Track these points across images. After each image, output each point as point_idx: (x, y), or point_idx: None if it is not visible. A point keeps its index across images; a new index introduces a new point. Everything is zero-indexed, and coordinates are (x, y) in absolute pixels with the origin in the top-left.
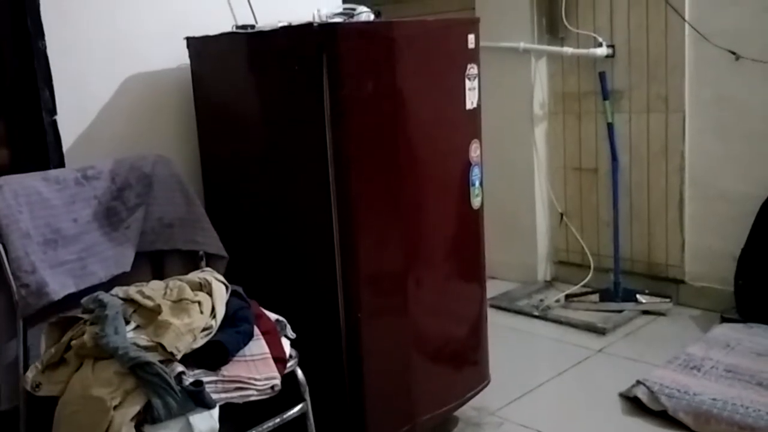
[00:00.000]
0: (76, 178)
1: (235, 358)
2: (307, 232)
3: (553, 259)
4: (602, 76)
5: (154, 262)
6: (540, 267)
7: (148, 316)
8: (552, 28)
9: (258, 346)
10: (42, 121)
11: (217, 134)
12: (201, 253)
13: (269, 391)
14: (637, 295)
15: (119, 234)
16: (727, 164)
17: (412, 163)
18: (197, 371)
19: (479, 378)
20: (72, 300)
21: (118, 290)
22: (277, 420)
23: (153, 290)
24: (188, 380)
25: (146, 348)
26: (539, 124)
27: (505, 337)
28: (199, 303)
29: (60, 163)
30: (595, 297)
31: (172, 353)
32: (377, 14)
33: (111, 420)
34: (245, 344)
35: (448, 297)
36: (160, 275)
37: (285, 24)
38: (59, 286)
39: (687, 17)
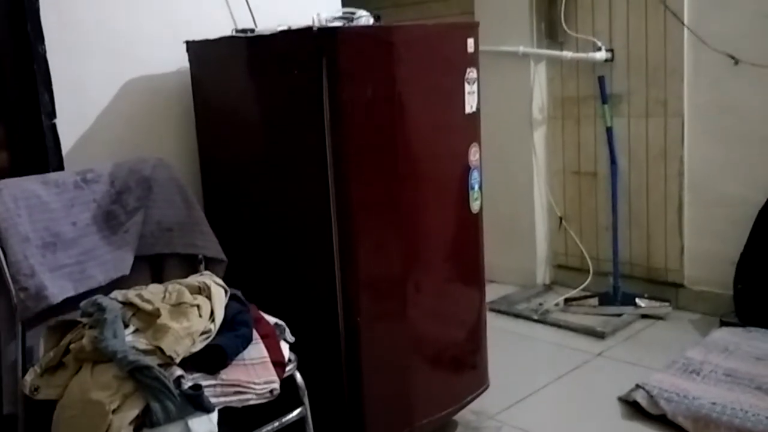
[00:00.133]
0: (75, 182)
1: (234, 362)
2: (306, 235)
3: (552, 263)
4: (601, 80)
5: (153, 266)
6: (539, 271)
7: (147, 319)
8: (551, 32)
9: (257, 349)
10: (41, 124)
11: (217, 138)
12: (200, 256)
13: (268, 395)
14: (637, 299)
15: (118, 237)
16: (726, 169)
17: (412, 167)
18: (196, 375)
19: (478, 382)
20: (71, 303)
21: (117, 294)
22: (276, 424)
23: (152, 294)
24: (187, 384)
25: (145, 352)
26: (538, 128)
27: (504, 341)
28: (198, 307)
29: (59, 167)
30: (595, 301)
31: (170, 357)
32: (377, 18)
33: (110, 424)
34: (244, 348)
35: (447, 301)
36: (159, 279)
37: (284, 28)
38: (58, 290)
39: (686, 21)
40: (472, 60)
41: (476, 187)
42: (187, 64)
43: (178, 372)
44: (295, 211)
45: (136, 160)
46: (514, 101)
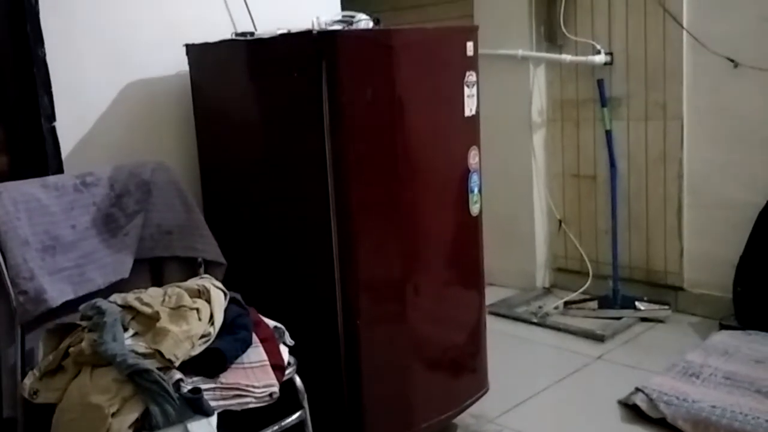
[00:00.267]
0: (74, 185)
1: (234, 366)
2: (305, 238)
3: (551, 266)
4: (600, 83)
5: (152, 269)
6: (538, 274)
7: (147, 323)
8: (550, 35)
9: (256, 353)
10: (41, 127)
11: (217, 141)
12: (199, 259)
13: (267, 398)
14: (636, 302)
15: (118, 241)
16: (725, 171)
17: (411, 170)
18: (195, 378)
19: (478, 385)
20: (70, 307)
21: (117, 297)
22: (276, 427)
23: (151, 297)
24: (186, 387)
25: (144, 355)
26: (538, 131)
27: (504, 344)
28: (198, 310)
29: (59, 170)
30: (594, 304)
31: (170, 360)
32: (376, 22)
33: (109, 427)
34: (243, 351)
35: (446, 304)
36: (158, 282)
37: (284, 31)
38: (57, 293)
39: (685, 25)
40: (472, 63)
41: (476, 190)
42: (186, 68)
43: (178, 375)
44: (295, 214)
45: (136, 163)
46: (514, 104)
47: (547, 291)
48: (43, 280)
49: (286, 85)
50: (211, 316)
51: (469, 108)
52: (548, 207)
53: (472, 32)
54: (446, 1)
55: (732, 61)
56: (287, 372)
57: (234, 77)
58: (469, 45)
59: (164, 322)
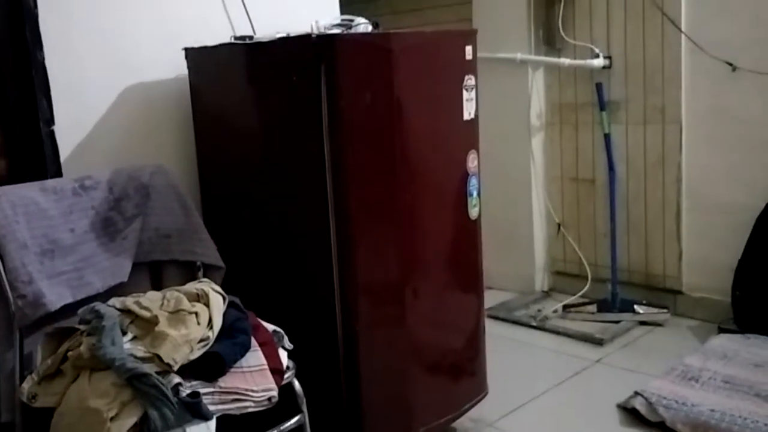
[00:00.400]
0: (73, 189)
1: (232, 370)
2: (304, 242)
3: (550, 270)
4: (599, 87)
5: (151, 273)
6: (537, 277)
7: (145, 327)
8: (549, 39)
9: (255, 357)
10: (40, 131)
11: (215, 145)
12: (198, 263)
13: (266, 402)
14: (635, 306)
15: (116, 244)
16: (724, 175)
17: (410, 173)
18: (194, 382)
19: (477, 389)
20: (69, 310)
21: (115, 301)
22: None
23: (150, 301)
24: (185, 392)
25: (143, 359)
26: (536, 135)
27: (503, 348)
28: (197, 314)
29: (57, 174)
30: (593, 307)
31: (169, 364)
32: (375, 25)
33: (108, 431)
34: (242, 355)
35: (445, 307)
36: (157, 286)
37: (283, 35)
38: (56, 297)
39: (683, 28)
40: (471, 67)
41: (474, 193)
42: (185, 71)
43: (176, 379)
44: (294, 218)
45: (135, 167)
46: (512, 108)
47: (546, 294)
48: (41, 284)
49: (285, 89)
50: (210, 320)
51: (468, 111)
52: (547, 210)
53: (471, 36)
54: (445, 5)
55: (730, 64)
56: (286, 376)
57: (233, 81)
58: (468, 49)
59: (163, 326)
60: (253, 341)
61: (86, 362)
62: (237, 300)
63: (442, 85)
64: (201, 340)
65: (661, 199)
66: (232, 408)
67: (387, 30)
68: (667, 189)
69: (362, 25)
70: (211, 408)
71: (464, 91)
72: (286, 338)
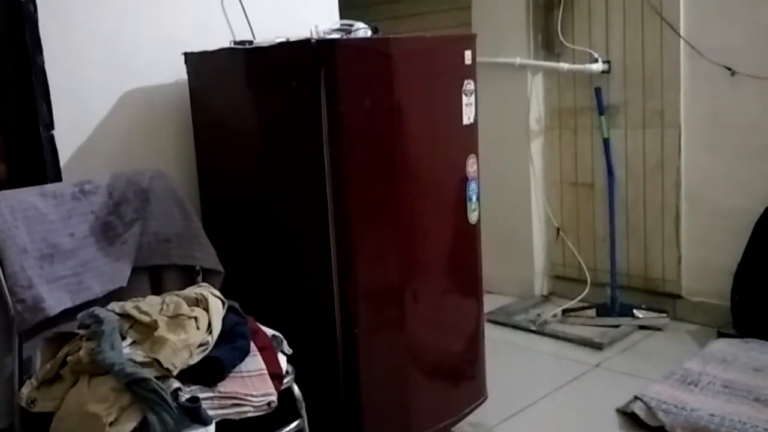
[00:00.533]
0: (73, 193)
1: (232, 374)
2: (304, 247)
3: (549, 274)
4: (598, 91)
5: (151, 277)
6: (537, 281)
7: (145, 331)
8: (548, 44)
9: (254, 362)
10: (39, 135)
11: (215, 149)
12: (197, 268)
13: (266, 407)
14: (634, 310)
15: (116, 249)
16: (723, 179)
17: (409, 178)
18: (193, 387)
19: (476, 393)
20: (68, 315)
21: (115, 305)
22: None
23: (149, 306)
24: (184, 396)
25: (142, 364)
26: (535, 139)
27: (502, 352)
28: (196, 318)
29: (57, 178)
30: (592, 312)
31: (168, 369)
32: (375, 30)
33: None
34: (241, 360)
35: (445, 312)
36: (157, 290)
37: (283, 40)
38: (55, 302)
39: (682, 33)
40: (470, 72)
41: (474, 198)
42: (185, 76)
43: (176, 384)
44: (293, 222)
45: (134, 171)
46: (512, 112)
47: (546, 299)
48: (41, 289)
49: (284, 94)
50: (209, 325)
51: (468, 116)
52: (546, 215)
53: (470, 41)
54: (444, 10)
55: (729, 69)
56: (285, 381)
57: (233, 85)
58: (467, 54)
59: (162, 330)
60: (253, 346)
61: (85, 367)
62: (236, 304)
63: (441, 90)
64: (200, 345)
65: (660, 203)
66: (231, 413)
67: (386, 35)
68: (666, 193)
69: (362, 30)
70: (211, 413)
71: (463, 96)
72: (285, 343)
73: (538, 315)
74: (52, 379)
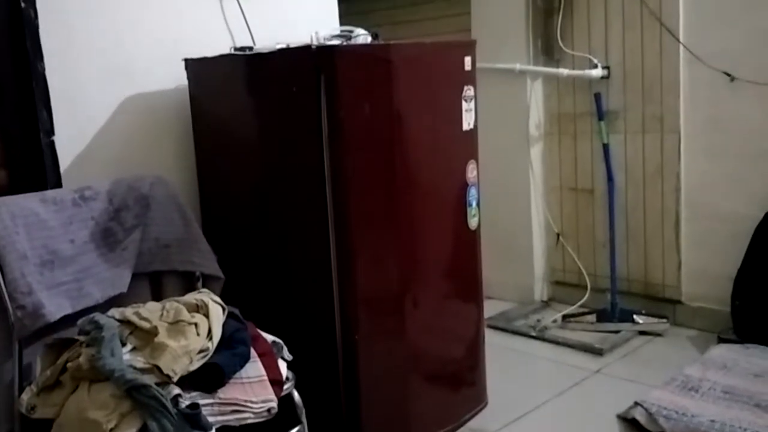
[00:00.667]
0: (73, 199)
1: (232, 381)
2: (304, 253)
3: (549, 279)
4: (597, 97)
5: (151, 283)
6: (537, 287)
7: (145, 338)
8: (547, 49)
9: (254, 368)
10: (39, 141)
11: (215, 155)
12: (198, 274)
13: (266, 413)
14: (634, 316)
15: (116, 255)
16: (722, 185)
17: (409, 183)
18: (193, 394)
19: (477, 399)
20: (68, 321)
21: (115, 312)
22: None
23: (149, 312)
24: (184, 403)
25: (142, 370)
26: (535, 145)
27: (503, 358)
28: (196, 325)
29: (57, 184)
30: (592, 317)
31: (168, 376)
32: (375, 36)
33: None
34: (242, 366)
35: (445, 317)
36: (157, 296)
37: (283, 46)
38: (55, 308)
39: (681, 39)
40: (470, 78)
41: (474, 203)
42: (185, 82)
43: (176, 391)
44: (293, 228)
45: (135, 177)
46: (511, 118)
47: (546, 304)
48: (41, 295)
49: (284, 100)
50: (210, 331)
51: (467, 122)
52: (546, 220)
53: (469, 47)
54: (444, 16)
55: (728, 75)
56: (285, 387)
57: (233, 92)
58: (467, 60)
59: (162, 337)
60: (253, 352)
61: (85, 373)
62: (236, 310)
63: (441, 96)
64: (200, 351)
65: (660, 208)
66: (231, 419)
67: (386, 41)
68: (666, 198)
69: (362, 36)
70: (211, 419)
71: (463, 102)
72: (285, 349)
73: (538, 320)
74: (52, 385)
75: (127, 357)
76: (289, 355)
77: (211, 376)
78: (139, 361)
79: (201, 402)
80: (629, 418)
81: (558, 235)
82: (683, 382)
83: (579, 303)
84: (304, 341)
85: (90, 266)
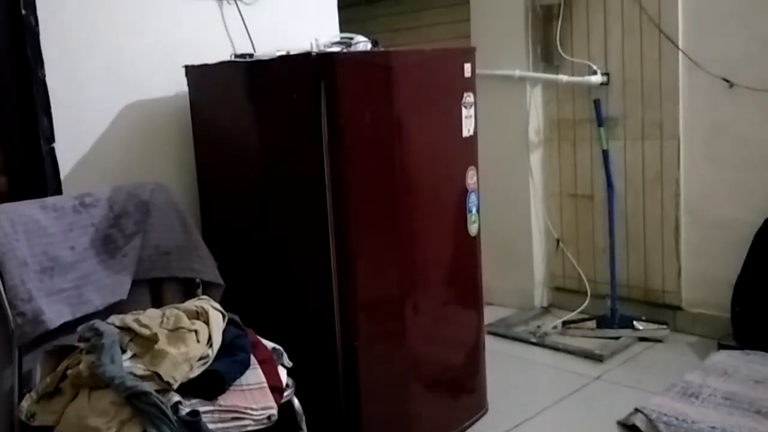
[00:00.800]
0: (73, 206)
1: (232, 388)
2: (304, 259)
3: (549, 286)
4: (597, 103)
5: (151, 290)
6: (537, 293)
7: (145, 344)
8: (547, 56)
9: (254, 375)
10: (40, 148)
11: (215, 162)
12: (198, 280)
13: (266, 420)
14: (634, 322)
15: (116, 262)
16: (722, 191)
17: (410, 190)
18: (194, 401)
19: (477, 406)
20: (68, 328)
21: (115, 318)
22: None
23: (150, 319)
24: (185, 410)
25: (142, 377)
26: (535, 151)
27: (503, 364)
28: (196, 332)
29: (57, 191)
30: (592, 323)
31: (168, 383)
32: (374, 43)
33: None
34: (242, 373)
35: (445, 323)
36: (157, 303)
37: (283, 53)
38: (55, 315)
39: (681, 45)
40: (469, 84)
41: (474, 209)
42: (185, 89)
43: (176, 398)
44: (294, 235)
45: (135, 184)
46: (511, 124)
47: (546, 310)
48: (41, 302)
49: (285, 107)
50: (210, 338)
51: (467, 128)
52: (546, 227)
53: (469, 54)
54: (444, 23)
55: (727, 81)
56: (286, 394)
57: (233, 98)
58: (467, 67)
59: (162, 344)
60: (253, 359)
61: (85, 380)
62: (236, 317)
63: (441, 103)
64: (200, 358)
65: (659, 214)
66: (231, 426)
67: (386, 48)
68: (666, 205)
69: (362, 43)
70: (211, 426)
71: (463, 108)
72: (285, 356)
73: (539, 327)
74: (52, 392)
75: (127, 364)
76: (289, 362)
77: (211, 383)
78: (140, 368)
79: (201, 409)
80: (630, 424)
81: (558, 241)
82: (683, 389)
83: (579, 309)
84: (304, 347)
85: (90, 273)
